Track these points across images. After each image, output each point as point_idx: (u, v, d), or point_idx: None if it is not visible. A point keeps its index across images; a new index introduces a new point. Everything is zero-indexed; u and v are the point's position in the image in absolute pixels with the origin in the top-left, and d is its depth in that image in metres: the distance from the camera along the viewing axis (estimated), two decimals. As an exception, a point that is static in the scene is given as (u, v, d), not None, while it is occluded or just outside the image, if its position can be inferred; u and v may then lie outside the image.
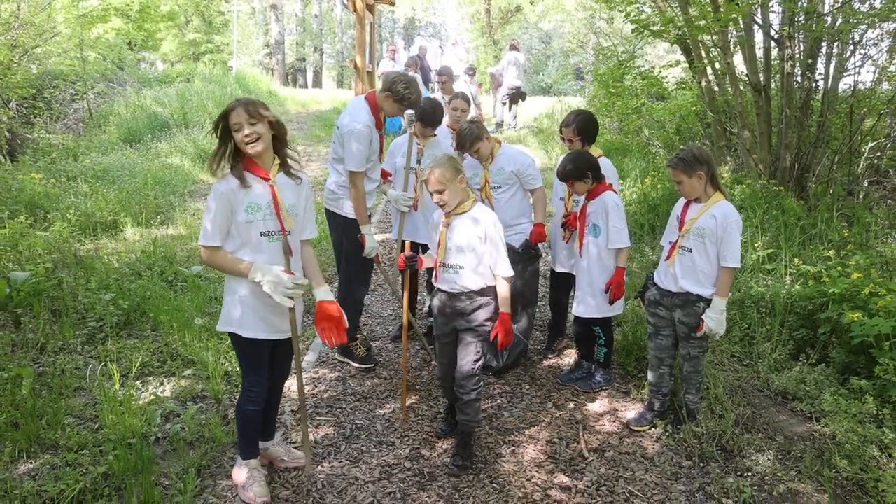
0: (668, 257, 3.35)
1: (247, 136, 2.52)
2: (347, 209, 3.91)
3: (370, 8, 12.01)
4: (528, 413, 3.71)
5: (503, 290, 3.04)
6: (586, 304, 3.83)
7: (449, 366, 3.19)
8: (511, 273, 3.05)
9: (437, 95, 8.25)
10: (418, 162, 4.13)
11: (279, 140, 2.68)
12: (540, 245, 4.18)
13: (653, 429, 3.49)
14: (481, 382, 3.18)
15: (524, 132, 12.98)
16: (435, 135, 4.32)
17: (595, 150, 4.02)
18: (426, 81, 12.36)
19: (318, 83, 31.21)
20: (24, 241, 5.24)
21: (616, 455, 3.31)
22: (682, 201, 3.39)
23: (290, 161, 2.75)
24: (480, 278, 3.04)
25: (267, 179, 2.64)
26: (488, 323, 3.07)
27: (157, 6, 17.19)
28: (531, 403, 3.83)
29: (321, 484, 2.99)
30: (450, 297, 3.10)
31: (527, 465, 3.20)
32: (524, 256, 4.05)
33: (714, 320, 3.16)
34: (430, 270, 3.58)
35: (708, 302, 3.22)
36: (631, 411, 3.69)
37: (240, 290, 2.69)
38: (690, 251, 3.24)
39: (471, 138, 3.94)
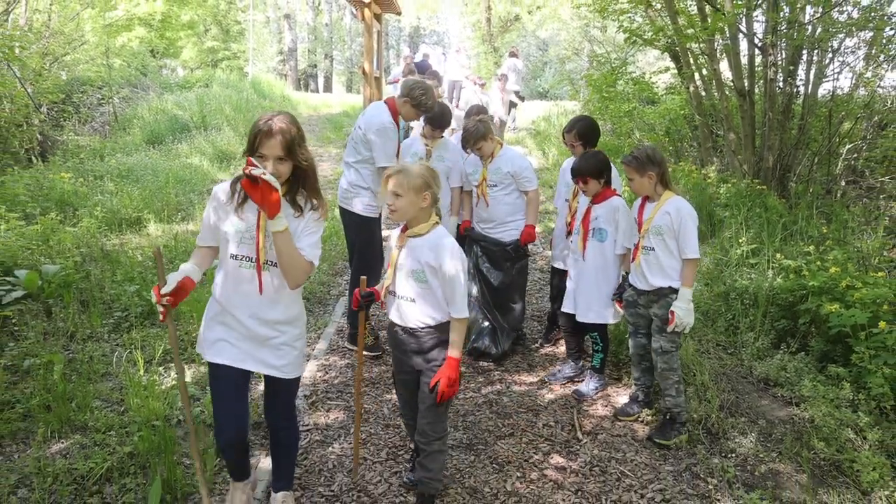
0: (633, 259, 3.29)
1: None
2: (360, 207, 3.90)
3: (378, 17, 11.95)
4: (526, 398, 3.72)
5: (454, 334, 2.43)
6: (584, 309, 3.67)
7: (410, 397, 2.64)
8: (466, 314, 2.42)
9: None
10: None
11: (305, 180, 2.20)
12: (529, 245, 4.14)
13: (639, 418, 3.47)
14: (448, 430, 2.65)
15: (522, 134, 12.95)
16: (443, 136, 4.31)
17: None
18: None
19: (328, 88, 31.19)
20: (54, 237, 5.24)
21: (608, 437, 3.31)
22: (637, 203, 3.30)
23: (307, 199, 2.22)
24: (437, 312, 2.47)
25: None
26: None
27: (178, 16, 17.13)
28: (529, 389, 3.83)
29: (332, 464, 3.00)
30: (404, 332, 2.53)
31: (525, 447, 3.20)
32: (513, 254, 4.04)
33: (682, 310, 3.07)
34: None
35: None
36: (623, 396, 3.69)
37: (210, 307, 2.32)
38: (653, 249, 3.16)
39: (475, 136, 3.92)
